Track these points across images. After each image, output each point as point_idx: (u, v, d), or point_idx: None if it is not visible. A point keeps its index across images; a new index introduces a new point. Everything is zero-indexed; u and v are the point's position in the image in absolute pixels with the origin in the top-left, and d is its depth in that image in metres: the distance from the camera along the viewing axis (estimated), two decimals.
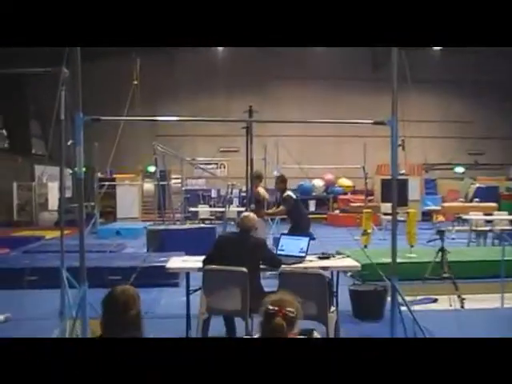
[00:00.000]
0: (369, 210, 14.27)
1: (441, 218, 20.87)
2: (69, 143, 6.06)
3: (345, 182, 25.92)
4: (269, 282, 6.51)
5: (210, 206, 23.44)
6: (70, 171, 7.15)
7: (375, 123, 6.26)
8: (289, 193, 10.17)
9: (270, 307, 3.05)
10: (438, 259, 8.47)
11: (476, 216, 15.19)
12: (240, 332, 6.05)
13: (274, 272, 6.37)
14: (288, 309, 3.04)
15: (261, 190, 10.85)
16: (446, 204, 20.71)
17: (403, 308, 5.86)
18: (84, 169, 5.67)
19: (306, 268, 6.30)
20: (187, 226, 15.68)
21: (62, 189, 6.99)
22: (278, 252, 6.69)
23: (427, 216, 21.55)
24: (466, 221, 16.44)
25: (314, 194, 25.13)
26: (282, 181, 10.43)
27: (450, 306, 7.93)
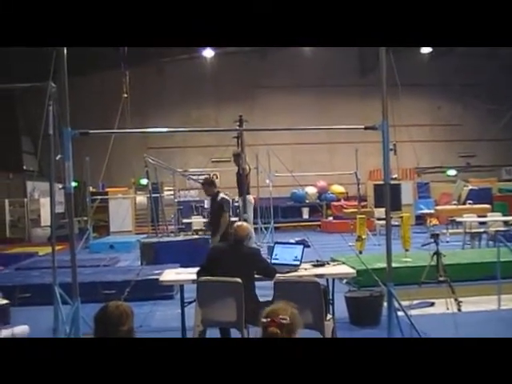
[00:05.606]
0: (362, 216, 14.29)
1: (434, 221, 20.86)
2: (57, 158, 6.02)
3: (337, 188, 25.95)
4: (263, 291, 6.45)
5: (204, 217, 23.30)
6: (61, 186, 7.07)
7: (366, 128, 6.26)
8: (224, 196, 9.17)
9: (264, 320, 3.09)
10: (433, 263, 8.43)
11: (470, 218, 15.19)
12: None
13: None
14: (281, 317, 3.06)
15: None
16: (439, 207, 20.74)
17: (400, 313, 5.83)
18: (75, 183, 5.63)
19: (300, 276, 6.25)
20: (181, 237, 15.58)
21: (52, 204, 6.91)
22: (272, 261, 6.64)
23: (421, 220, 21.57)
24: (459, 223, 16.47)
25: (307, 201, 25.19)
26: (210, 184, 9.33)
27: (447, 309, 7.89)
